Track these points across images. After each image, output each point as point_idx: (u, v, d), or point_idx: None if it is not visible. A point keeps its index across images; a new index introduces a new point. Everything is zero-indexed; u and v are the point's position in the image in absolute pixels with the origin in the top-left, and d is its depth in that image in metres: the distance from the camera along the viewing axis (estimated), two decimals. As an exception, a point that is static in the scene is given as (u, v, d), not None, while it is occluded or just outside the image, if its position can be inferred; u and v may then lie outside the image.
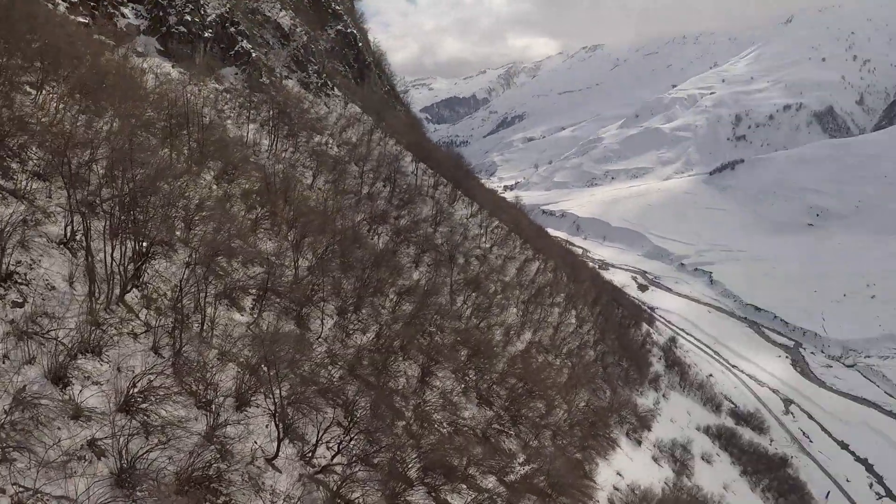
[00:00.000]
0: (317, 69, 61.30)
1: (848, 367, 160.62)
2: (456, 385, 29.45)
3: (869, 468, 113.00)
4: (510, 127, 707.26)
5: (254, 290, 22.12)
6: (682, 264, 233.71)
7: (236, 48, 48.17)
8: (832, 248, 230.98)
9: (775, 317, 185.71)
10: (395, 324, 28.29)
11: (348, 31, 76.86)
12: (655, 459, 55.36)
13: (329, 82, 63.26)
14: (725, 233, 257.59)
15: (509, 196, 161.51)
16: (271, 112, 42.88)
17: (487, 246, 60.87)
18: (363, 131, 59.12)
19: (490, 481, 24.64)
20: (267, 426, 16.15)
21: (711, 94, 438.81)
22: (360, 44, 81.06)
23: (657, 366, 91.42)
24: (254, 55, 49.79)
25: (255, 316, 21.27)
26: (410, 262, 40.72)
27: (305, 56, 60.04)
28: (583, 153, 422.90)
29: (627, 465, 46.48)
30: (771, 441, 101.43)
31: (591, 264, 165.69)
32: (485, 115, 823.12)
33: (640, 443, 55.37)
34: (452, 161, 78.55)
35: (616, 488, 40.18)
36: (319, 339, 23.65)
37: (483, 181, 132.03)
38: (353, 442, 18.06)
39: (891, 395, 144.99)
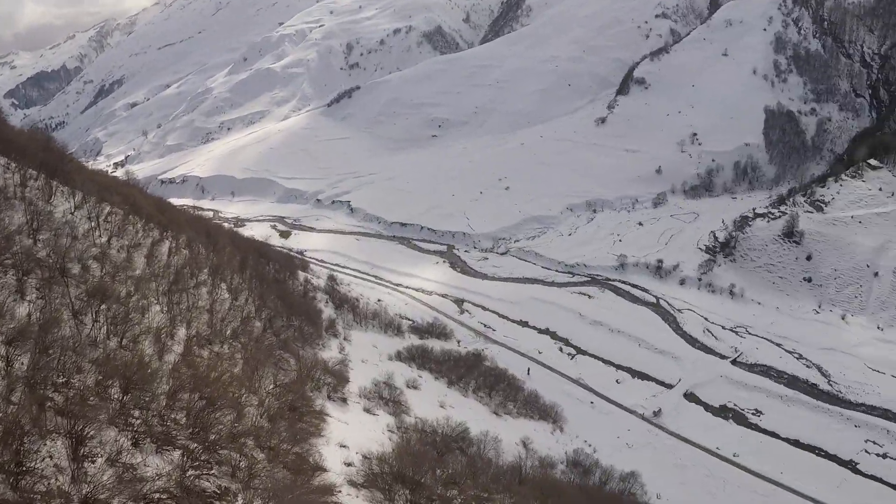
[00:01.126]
0: None
1: (502, 254, 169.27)
2: (122, 439, 22.31)
3: (553, 335, 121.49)
4: (110, 95, 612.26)
5: None
6: (319, 200, 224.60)
7: None
8: (459, 152, 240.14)
9: (422, 227, 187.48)
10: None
11: None
12: (368, 410, 54.31)
13: None
14: (354, 160, 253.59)
15: (120, 173, 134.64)
16: None
17: (104, 240, 50.36)
18: None
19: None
20: None
21: (321, 26, 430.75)
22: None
23: (327, 310, 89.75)
24: None
25: None
26: (9, 295, 29.69)
27: None
28: (192, 108, 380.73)
29: (346, 431, 43.80)
30: (458, 342, 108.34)
31: (226, 225, 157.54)
32: (79, 86, 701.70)
33: (345, 400, 53.44)
34: (40, 145, 65.41)
35: (349, 464, 36.71)
36: None
37: (89, 163, 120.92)
38: None
39: (547, 268, 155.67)
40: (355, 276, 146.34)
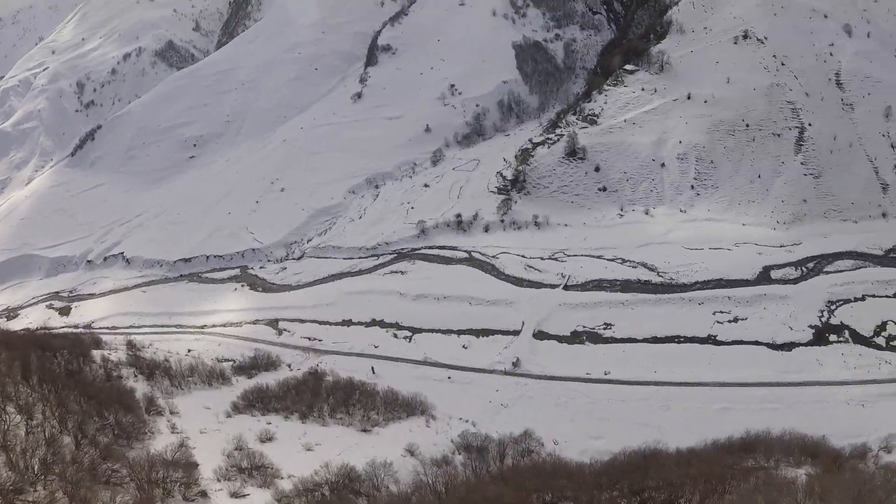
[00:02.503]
0: None
1: (299, 259, 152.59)
2: None
3: (381, 323, 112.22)
4: None
5: None
6: (90, 261, 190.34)
7: None
8: (222, 167, 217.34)
9: (208, 257, 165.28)
10: None
11: None
12: (236, 494, 47.08)
13: None
14: (116, 206, 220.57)
15: None
16: None
17: None
18: None
19: None
20: None
21: (45, 70, 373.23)
22: None
23: (140, 386, 78.45)
24: None
25: None
26: None
27: None
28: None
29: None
30: (290, 367, 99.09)
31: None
32: None
33: (205, 494, 45.63)
34: None
35: None
36: None
37: None
38: None
39: (350, 258, 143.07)
40: (155, 333, 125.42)
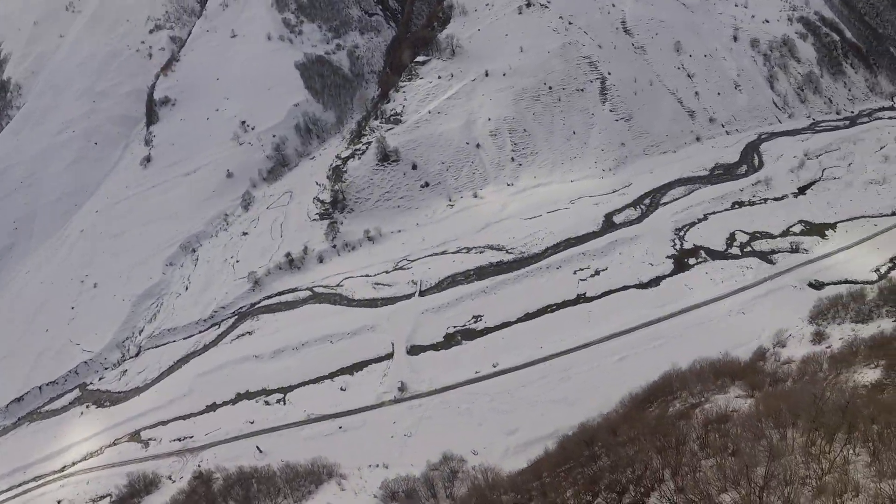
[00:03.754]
0: None
1: (137, 356, 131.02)
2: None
3: (248, 394, 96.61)
4: None
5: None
6: None
7: None
8: (25, 281, 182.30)
9: (40, 387, 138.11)
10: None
11: None
12: None
13: None
14: None
15: None
16: None
17: None
18: None
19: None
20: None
21: None
22: None
23: None
24: None
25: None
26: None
27: None
28: None
29: None
30: (171, 478, 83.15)
31: None
32: None
33: None
34: None
35: None
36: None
37: None
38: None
39: (191, 335, 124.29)
40: (15, 497, 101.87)
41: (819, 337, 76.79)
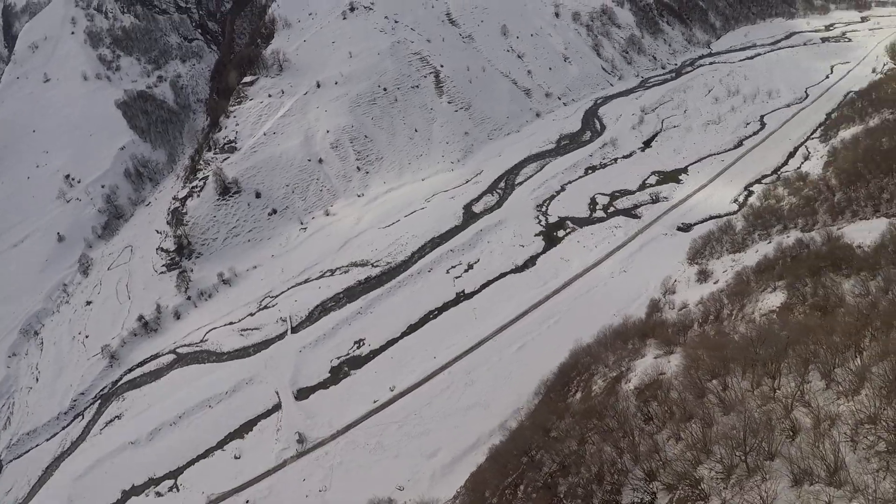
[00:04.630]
0: None
1: None
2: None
3: (137, 489, 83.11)
4: None
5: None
6: None
7: None
8: None
9: None
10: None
11: None
12: None
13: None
14: None
15: None
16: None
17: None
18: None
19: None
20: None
21: None
22: None
23: None
24: None
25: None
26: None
27: None
28: None
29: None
30: None
31: None
32: None
33: None
34: None
35: None
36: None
37: None
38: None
39: (53, 434, 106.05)
40: None
41: (704, 275, 79.26)
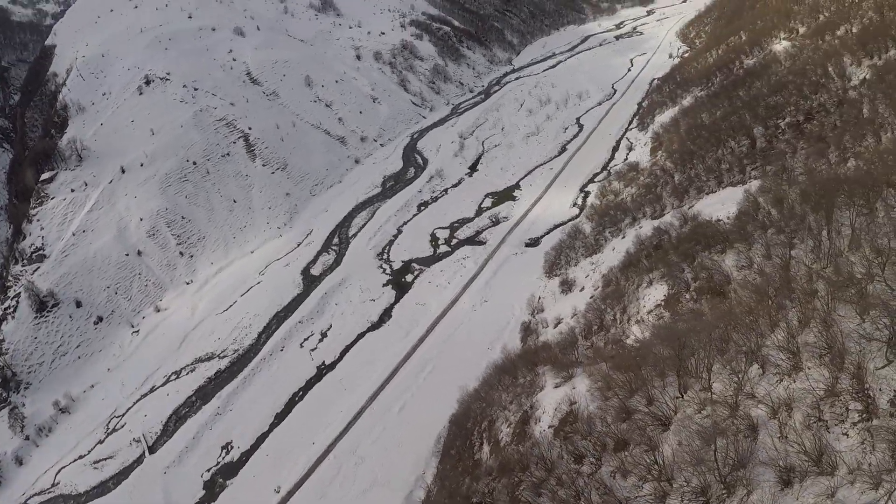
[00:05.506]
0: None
1: None
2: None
3: None
4: None
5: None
6: None
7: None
8: None
9: None
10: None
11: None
12: None
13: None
14: None
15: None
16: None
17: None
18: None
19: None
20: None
21: None
22: None
23: None
24: None
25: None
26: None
27: None
28: None
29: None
30: None
31: None
32: None
33: None
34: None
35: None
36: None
37: None
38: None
39: None
40: None
41: (567, 285, 78.94)
